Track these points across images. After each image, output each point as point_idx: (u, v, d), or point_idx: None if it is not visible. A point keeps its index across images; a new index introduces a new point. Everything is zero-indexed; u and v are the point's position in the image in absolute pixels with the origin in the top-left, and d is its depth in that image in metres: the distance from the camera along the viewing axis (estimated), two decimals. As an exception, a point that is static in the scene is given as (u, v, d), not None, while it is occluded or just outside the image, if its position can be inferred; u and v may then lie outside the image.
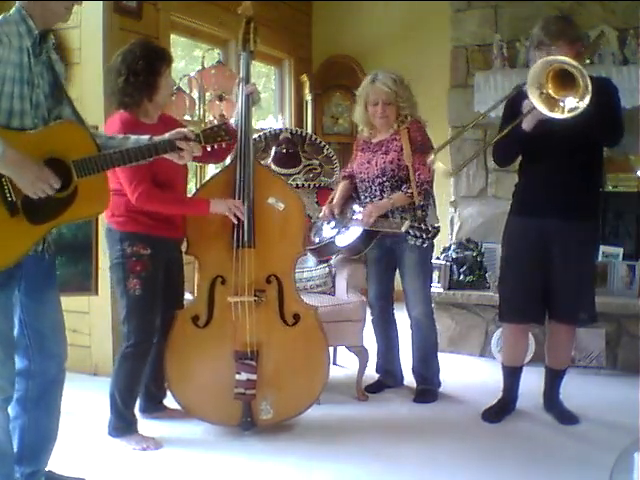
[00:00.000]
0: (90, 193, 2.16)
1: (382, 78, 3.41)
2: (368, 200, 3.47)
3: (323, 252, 3.64)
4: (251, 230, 2.96)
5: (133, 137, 2.37)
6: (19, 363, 2.24)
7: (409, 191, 3.33)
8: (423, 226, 3.22)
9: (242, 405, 2.98)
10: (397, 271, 3.58)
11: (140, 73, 2.80)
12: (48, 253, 2.25)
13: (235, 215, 2.89)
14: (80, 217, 2.32)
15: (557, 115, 2.70)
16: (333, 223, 3.56)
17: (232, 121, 3.06)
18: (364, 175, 3.49)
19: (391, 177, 3.40)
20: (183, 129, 2.45)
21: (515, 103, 3.00)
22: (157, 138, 2.36)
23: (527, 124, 2.91)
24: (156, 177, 2.83)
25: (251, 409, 2.99)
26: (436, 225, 3.33)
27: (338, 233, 3.50)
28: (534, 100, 2.72)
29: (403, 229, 3.19)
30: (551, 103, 2.71)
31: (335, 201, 3.59)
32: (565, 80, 2.67)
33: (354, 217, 3.46)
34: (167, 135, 2.38)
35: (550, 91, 2.70)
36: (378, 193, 3.43)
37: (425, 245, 3.35)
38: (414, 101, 3.49)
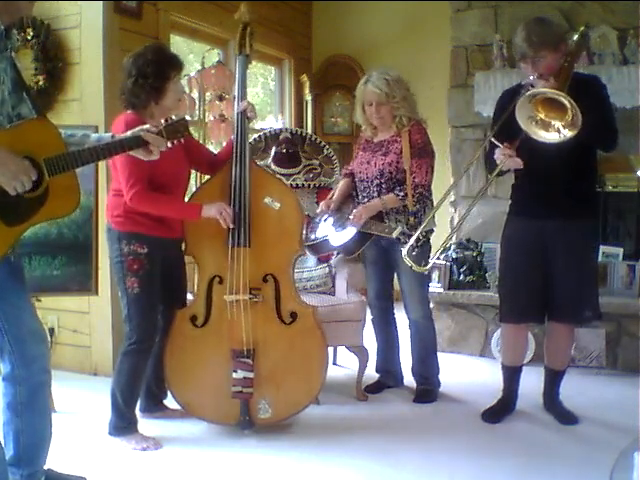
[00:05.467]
0: (61, 192, 2.13)
1: (374, 79, 3.40)
2: (366, 200, 3.47)
3: (318, 249, 3.64)
4: (247, 230, 2.98)
5: (94, 135, 2.36)
6: (5, 368, 2.23)
7: (401, 194, 3.33)
8: (414, 233, 3.16)
9: (240, 404, 2.98)
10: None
11: (149, 76, 2.83)
12: (14, 256, 2.19)
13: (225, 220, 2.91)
14: (53, 216, 2.25)
15: (554, 137, 2.72)
16: (330, 220, 3.56)
17: (233, 137, 3.11)
18: (363, 175, 3.50)
19: (389, 179, 3.40)
20: (145, 125, 2.42)
21: (505, 106, 2.99)
22: (121, 136, 2.36)
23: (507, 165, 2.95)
24: (156, 179, 2.84)
25: (249, 408, 2.99)
26: (428, 230, 3.26)
27: (334, 230, 3.50)
28: (530, 131, 2.75)
29: (394, 235, 3.20)
30: (545, 126, 2.74)
31: (333, 198, 3.60)
32: (554, 102, 2.69)
33: (350, 217, 3.46)
34: (129, 132, 2.36)
35: (541, 116, 2.74)
36: (375, 194, 3.43)
37: (414, 253, 3.25)
38: (411, 100, 3.46)
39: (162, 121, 2.41)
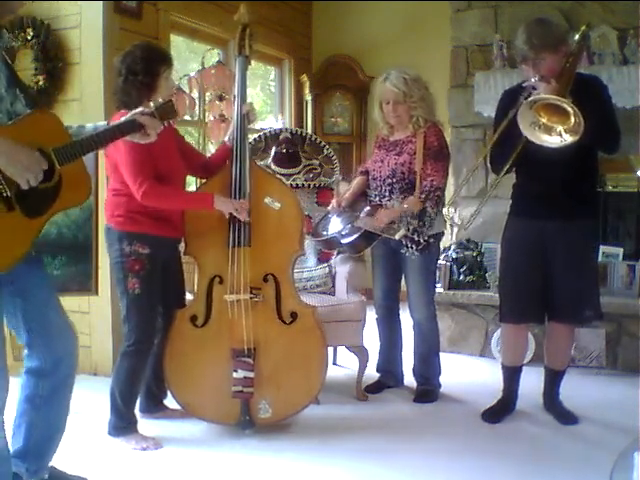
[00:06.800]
0: (72, 181, 2.13)
1: (393, 78, 3.38)
2: (377, 200, 3.44)
3: (328, 245, 3.63)
4: (247, 229, 2.98)
5: (89, 125, 2.36)
6: (31, 362, 2.24)
7: (422, 196, 3.28)
8: (416, 237, 3.17)
9: (240, 404, 2.99)
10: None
11: (138, 73, 2.84)
12: (34, 251, 2.17)
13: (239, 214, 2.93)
14: (68, 206, 2.24)
15: (556, 141, 2.73)
16: (341, 216, 3.53)
17: (227, 139, 3.13)
18: (376, 174, 3.47)
19: (401, 179, 3.37)
20: (137, 109, 2.39)
21: (506, 107, 2.99)
22: (116, 122, 2.35)
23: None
24: (156, 170, 2.84)
25: (249, 408, 2.99)
26: (432, 234, 3.28)
27: (344, 227, 3.49)
28: (533, 138, 2.75)
29: (397, 236, 3.18)
30: (548, 130, 2.74)
31: (346, 195, 3.57)
32: (556, 106, 2.69)
33: (361, 215, 3.44)
34: (123, 118, 2.35)
35: (544, 120, 2.74)
36: (387, 194, 3.41)
37: (414, 257, 3.30)
38: (430, 101, 3.45)
39: (151, 104, 2.42)
